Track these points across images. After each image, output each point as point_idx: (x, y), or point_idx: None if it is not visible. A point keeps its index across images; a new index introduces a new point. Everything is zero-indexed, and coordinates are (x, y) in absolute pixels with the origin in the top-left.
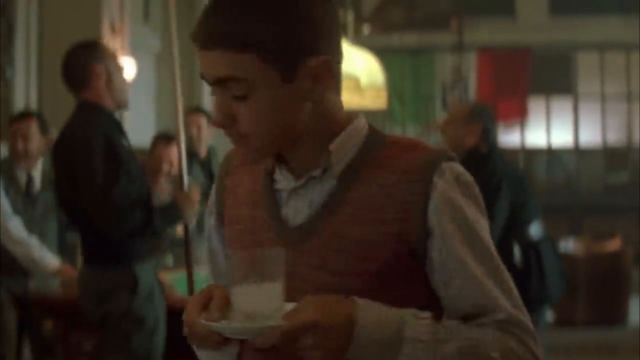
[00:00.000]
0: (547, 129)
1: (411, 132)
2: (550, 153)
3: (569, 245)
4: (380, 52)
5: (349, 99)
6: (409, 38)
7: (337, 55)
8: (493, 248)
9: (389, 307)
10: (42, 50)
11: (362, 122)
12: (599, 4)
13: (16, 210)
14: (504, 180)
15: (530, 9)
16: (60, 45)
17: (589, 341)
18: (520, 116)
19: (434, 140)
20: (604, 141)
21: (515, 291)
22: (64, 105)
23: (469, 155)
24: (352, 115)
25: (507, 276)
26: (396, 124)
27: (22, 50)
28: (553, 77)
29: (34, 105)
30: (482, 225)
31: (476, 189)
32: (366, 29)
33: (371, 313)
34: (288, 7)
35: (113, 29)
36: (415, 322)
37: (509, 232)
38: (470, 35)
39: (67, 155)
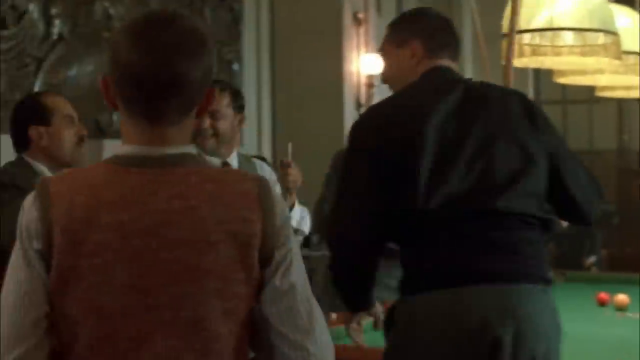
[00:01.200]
0: None
1: None
2: None
3: None
4: None
5: (632, 84)
6: None
7: (120, 88)
8: None
9: None
10: (274, 45)
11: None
12: None
13: None
14: None
15: None
16: (294, 38)
17: None
18: None
19: None
20: None
21: None
22: (295, 103)
23: None
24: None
25: None
26: None
27: (251, 44)
28: None
29: (266, 100)
30: None
31: None
32: None
33: None
34: None
35: (357, 21)
36: None
37: None
38: None
39: None
